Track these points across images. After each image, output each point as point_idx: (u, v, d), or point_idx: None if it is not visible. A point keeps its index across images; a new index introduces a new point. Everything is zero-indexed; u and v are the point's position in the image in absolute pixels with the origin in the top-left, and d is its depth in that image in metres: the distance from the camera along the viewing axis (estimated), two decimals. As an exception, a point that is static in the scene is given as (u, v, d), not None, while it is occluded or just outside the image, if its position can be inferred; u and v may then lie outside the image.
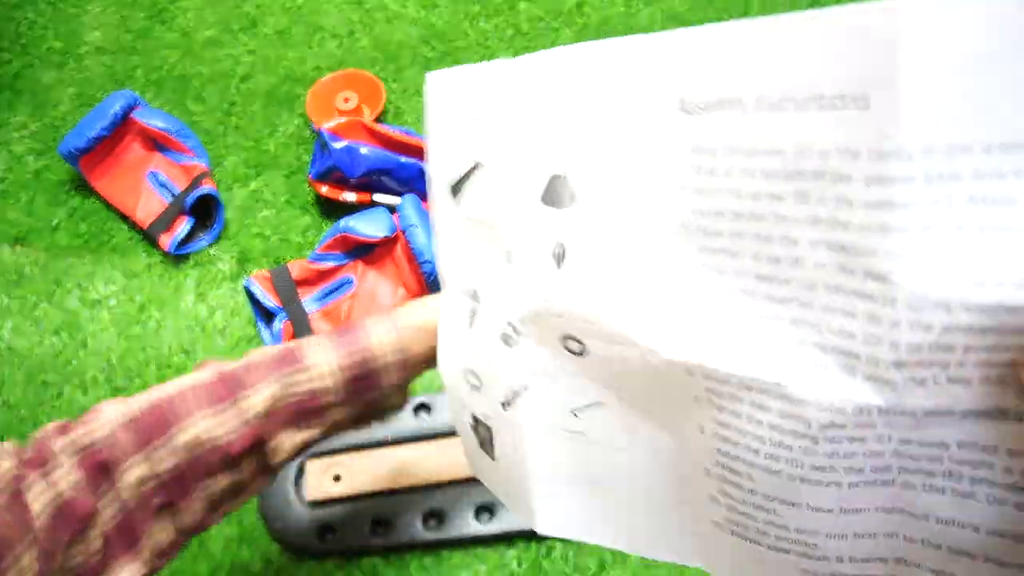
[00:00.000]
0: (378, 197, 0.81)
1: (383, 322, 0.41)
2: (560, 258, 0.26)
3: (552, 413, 0.30)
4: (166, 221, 0.81)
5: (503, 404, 0.31)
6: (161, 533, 0.37)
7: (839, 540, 0.24)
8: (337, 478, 0.63)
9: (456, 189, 0.31)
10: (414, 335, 0.40)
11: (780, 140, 0.19)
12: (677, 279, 0.23)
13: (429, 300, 0.42)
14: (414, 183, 0.80)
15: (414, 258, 0.73)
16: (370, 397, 0.41)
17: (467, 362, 0.33)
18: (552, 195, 0.26)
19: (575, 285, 0.26)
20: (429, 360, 0.41)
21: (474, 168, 0.29)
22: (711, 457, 0.26)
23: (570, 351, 0.28)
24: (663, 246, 0.23)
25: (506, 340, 0.30)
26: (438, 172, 0.32)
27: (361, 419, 0.42)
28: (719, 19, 0.23)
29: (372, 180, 0.80)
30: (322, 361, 0.39)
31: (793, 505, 0.24)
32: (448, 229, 0.32)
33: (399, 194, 0.80)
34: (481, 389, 0.33)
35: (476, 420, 0.34)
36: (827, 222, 0.19)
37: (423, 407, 0.68)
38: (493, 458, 0.34)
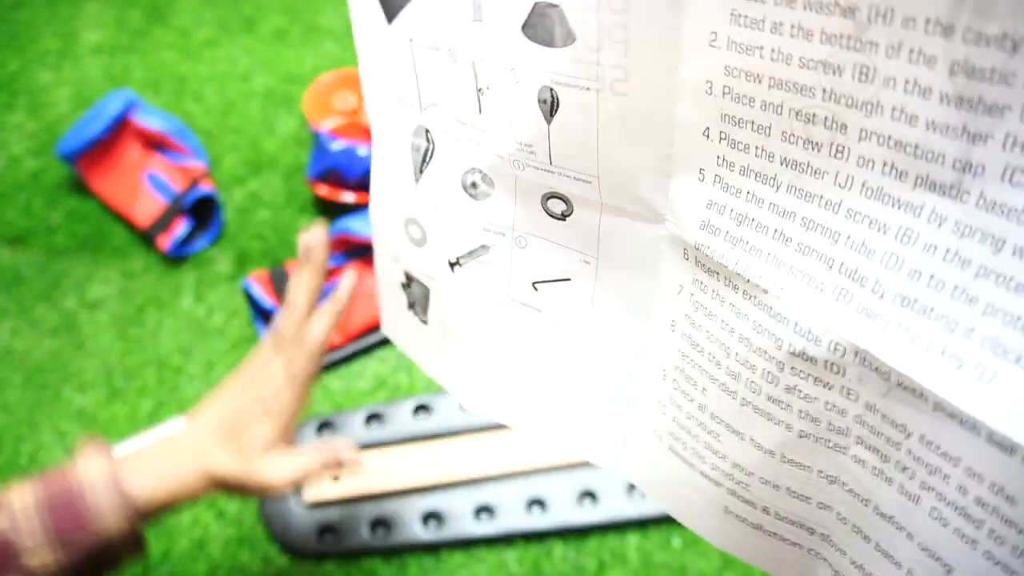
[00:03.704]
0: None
1: (96, 454, 0.36)
2: (552, 106, 0.22)
3: (509, 282, 0.26)
4: (164, 222, 0.80)
5: (452, 264, 0.27)
6: None
7: (772, 490, 0.22)
8: (336, 479, 0.63)
9: (391, 3, 0.25)
10: (136, 466, 0.35)
11: None
12: (690, 146, 0.20)
13: (160, 432, 0.35)
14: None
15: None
16: (83, 541, 0.35)
17: (411, 212, 0.28)
18: (540, 28, 0.21)
19: (569, 138, 0.22)
20: (168, 501, 0.36)
21: None
22: (672, 359, 0.23)
23: (550, 213, 0.24)
24: (680, 105, 0.19)
25: (470, 191, 0.26)
26: None
27: (85, 570, 0.36)
28: None
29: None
30: (16, 497, 0.35)
31: (737, 434, 0.22)
32: (379, 55, 0.26)
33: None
34: (425, 244, 0.28)
35: (410, 279, 0.30)
36: (888, 110, 0.15)
37: (423, 408, 0.67)
38: (424, 321, 0.30)
